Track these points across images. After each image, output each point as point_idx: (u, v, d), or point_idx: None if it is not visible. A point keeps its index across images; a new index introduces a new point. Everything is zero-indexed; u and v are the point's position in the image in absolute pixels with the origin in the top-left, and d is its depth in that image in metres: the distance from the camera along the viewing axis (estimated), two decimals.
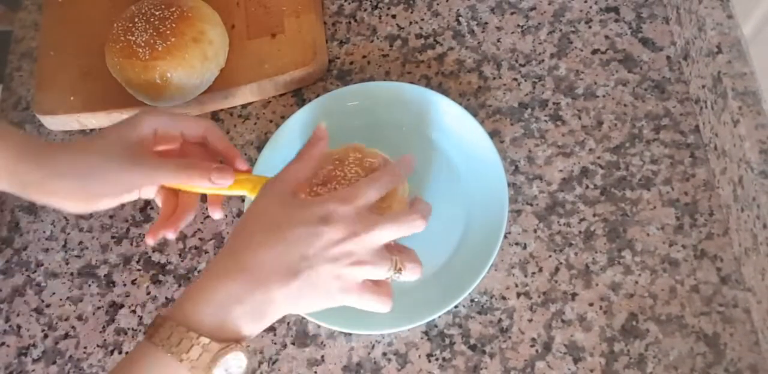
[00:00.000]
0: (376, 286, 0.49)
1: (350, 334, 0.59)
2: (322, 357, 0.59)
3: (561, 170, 0.62)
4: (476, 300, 0.59)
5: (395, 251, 0.49)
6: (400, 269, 0.49)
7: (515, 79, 0.67)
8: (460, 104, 0.63)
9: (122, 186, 0.53)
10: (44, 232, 0.68)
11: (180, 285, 0.64)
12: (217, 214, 0.57)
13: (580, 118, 0.64)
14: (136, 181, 0.53)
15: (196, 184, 0.53)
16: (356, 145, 0.57)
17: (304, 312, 0.49)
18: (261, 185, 0.52)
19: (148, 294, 0.64)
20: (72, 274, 0.66)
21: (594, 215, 0.60)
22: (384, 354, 0.58)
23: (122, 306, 0.64)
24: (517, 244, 0.60)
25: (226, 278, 0.45)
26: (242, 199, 0.65)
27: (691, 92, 0.63)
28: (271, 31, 0.70)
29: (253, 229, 0.48)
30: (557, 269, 0.59)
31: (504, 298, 0.59)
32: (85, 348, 0.63)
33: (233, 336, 0.45)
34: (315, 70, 0.69)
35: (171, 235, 0.55)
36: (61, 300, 0.65)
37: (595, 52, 0.67)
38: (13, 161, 0.50)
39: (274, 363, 0.59)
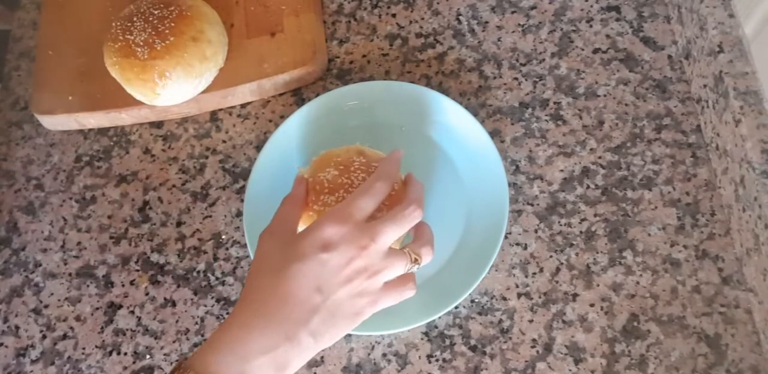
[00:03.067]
0: (397, 278, 0.48)
1: (350, 335, 0.59)
2: (322, 358, 0.59)
3: (562, 170, 0.62)
4: (477, 300, 0.59)
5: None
6: (416, 260, 0.48)
7: (516, 79, 0.67)
8: (461, 103, 0.63)
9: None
10: (42, 232, 0.68)
11: (179, 286, 0.63)
12: None
13: (581, 117, 0.64)
14: None
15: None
16: (358, 146, 0.57)
17: (337, 340, 0.48)
18: None
19: (147, 294, 0.64)
20: (70, 274, 0.66)
21: (595, 216, 0.60)
22: (384, 355, 0.58)
23: (121, 306, 0.64)
24: (517, 244, 0.60)
25: (246, 327, 0.44)
26: (241, 199, 0.65)
27: (692, 92, 0.63)
28: (271, 30, 0.69)
29: (260, 276, 0.46)
30: (558, 270, 0.59)
31: (504, 299, 0.58)
32: (84, 348, 0.63)
33: None
34: (314, 69, 0.68)
35: None
36: (59, 300, 0.65)
37: (596, 51, 0.66)
38: None
39: None
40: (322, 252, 0.45)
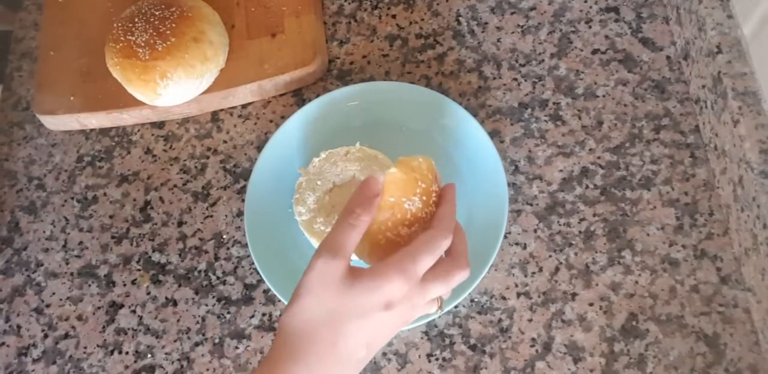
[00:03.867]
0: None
1: None
2: None
3: (561, 170, 0.62)
4: (476, 299, 0.59)
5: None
6: (440, 306, 0.49)
7: (515, 79, 0.67)
8: (460, 103, 0.63)
9: None
10: (44, 232, 0.68)
11: (180, 285, 0.64)
12: None
13: (580, 118, 0.64)
14: None
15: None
16: (419, 162, 0.51)
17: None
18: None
19: (148, 293, 0.64)
20: (72, 274, 0.66)
21: (594, 215, 0.60)
22: (384, 353, 0.58)
23: (122, 306, 0.64)
24: (517, 244, 0.60)
25: None
26: (242, 199, 0.65)
27: (691, 92, 0.63)
28: (271, 31, 0.70)
29: (316, 324, 0.44)
30: (557, 269, 0.59)
31: (504, 298, 0.59)
32: (85, 348, 0.63)
33: None
34: (315, 70, 0.69)
35: None
36: (61, 300, 0.65)
37: (595, 52, 0.67)
38: None
39: None
40: (384, 311, 0.44)
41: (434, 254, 0.46)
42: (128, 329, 0.63)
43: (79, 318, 0.64)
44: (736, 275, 0.57)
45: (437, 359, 0.57)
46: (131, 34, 0.65)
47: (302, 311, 0.44)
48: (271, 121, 0.69)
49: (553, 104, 0.65)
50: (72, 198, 0.69)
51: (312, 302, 0.44)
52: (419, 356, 0.58)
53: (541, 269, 0.59)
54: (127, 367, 0.61)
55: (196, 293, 0.63)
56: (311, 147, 0.64)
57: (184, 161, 0.69)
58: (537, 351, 0.57)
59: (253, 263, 0.62)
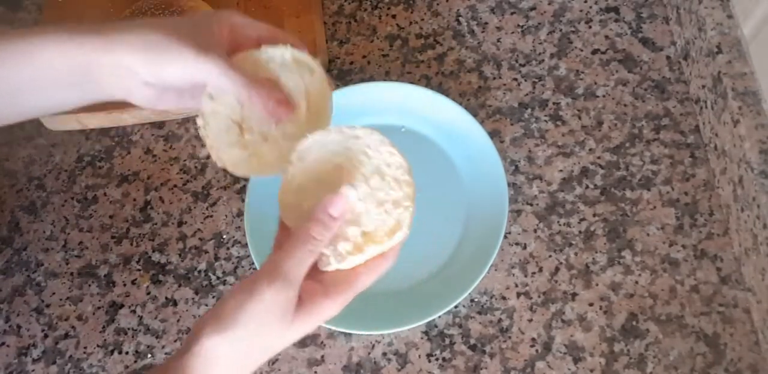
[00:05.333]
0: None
1: (350, 334, 0.59)
2: (322, 357, 0.59)
3: (561, 170, 0.62)
4: (476, 299, 0.59)
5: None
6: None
7: (515, 79, 0.67)
8: (460, 104, 0.63)
9: (191, 67, 0.44)
10: (44, 232, 0.68)
11: (180, 285, 0.64)
12: None
13: (580, 118, 0.64)
14: (206, 66, 0.44)
15: (253, 103, 0.46)
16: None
17: None
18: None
19: (148, 293, 0.64)
20: (72, 274, 0.66)
21: (594, 215, 0.60)
22: (384, 354, 0.58)
23: (122, 305, 0.64)
24: (517, 244, 0.60)
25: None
26: (242, 199, 0.65)
27: (691, 92, 0.63)
28: None
29: (241, 359, 0.42)
30: (557, 269, 0.59)
31: (504, 298, 0.59)
32: (85, 348, 0.63)
33: None
34: None
35: None
36: (61, 299, 0.65)
37: (595, 52, 0.67)
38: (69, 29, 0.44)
39: (273, 363, 0.59)
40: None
41: (374, 279, 0.46)
42: (128, 329, 0.63)
43: (79, 318, 0.64)
44: (736, 275, 0.57)
45: (437, 359, 0.58)
46: None
47: (236, 340, 0.41)
48: None
49: (553, 104, 0.65)
50: (72, 198, 0.69)
51: (250, 336, 0.41)
52: (419, 356, 0.58)
53: (541, 270, 0.59)
54: (127, 367, 0.61)
55: (196, 293, 0.63)
56: None
57: (184, 161, 0.69)
58: (537, 351, 0.57)
59: (253, 264, 0.62)
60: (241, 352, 0.41)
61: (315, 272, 0.44)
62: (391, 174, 0.46)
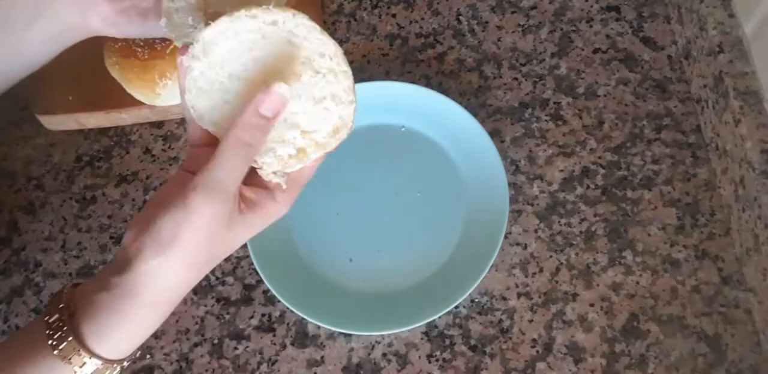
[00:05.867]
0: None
1: (350, 335, 0.59)
2: (322, 357, 0.59)
3: (562, 170, 0.62)
4: (477, 300, 0.59)
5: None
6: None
7: (516, 79, 0.67)
8: (461, 103, 0.63)
9: None
10: (43, 232, 0.68)
11: None
12: None
13: (581, 117, 0.64)
14: None
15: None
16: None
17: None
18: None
19: None
20: (71, 274, 0.66)
21: (595, 216, 0.60)
22: (384, 354, 0.58)
23: None
24: (517, 244, 0.60)
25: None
26: None
27: (692, 92, 0.63)
28: None
29: (177, 290, 0.41)
30: (558, 270, 0.59)
31: (504, 298, 0.58)
32: None
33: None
34: None
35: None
36: None
37: (596, 51, 0.66)
38: None
39: (273, 363, 0.59)
40: None
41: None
42: None
43: None
44: (737, 275, 0.57)
45: (437, 360, 0.57)
46: None
47: (179, 259, 0.39)
48: None
49: (554, 103, 0.65)
50: (71, 198, 0.69)
51: (194, 252, 0.39)
52: (419, 357, 0.58)
53: (541, 270, 0.59)
54: (125, 368, 0.61)
55: (195, 293, 0.63)
56: None
57: (184, 161, 0.69)
58: (538, 351, 0.56)
59: (252, 264, 0.62)
60: (187, 267, 0.40)
61: (256, 176, 0.42)
62: (327, 66, 0.40)
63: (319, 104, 0.40)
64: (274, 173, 0.41)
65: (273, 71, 0.39)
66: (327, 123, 0.40)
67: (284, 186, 0.42)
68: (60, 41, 0.48)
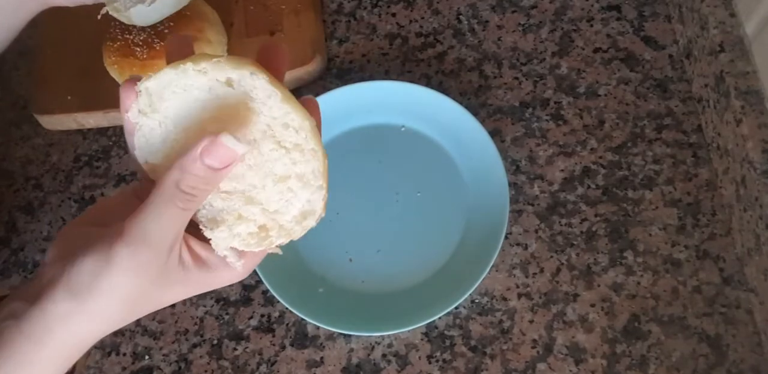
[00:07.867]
0: None
1: (350, 335, 0.59)
2: (322, 358, 0.58)
3: (562, 170, 0.62)
4: (477, 300, 0.59)
5: None
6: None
7: (516, 78, 0.66)
8: (461, 103, 0.63)
9: None
10: (41, 232, 0.68)
11: None
12: None
13: (581, 117, 0.64)
14: None
15: None
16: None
17: None
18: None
19: None
20: None
21: (596, 216, 0.60)
22: (384, 355, 0.58)
23: None
24: (518, 244, 0.60)
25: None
26: None
27: (693, 91, 0.63)
28: (270, 29, 0.69)
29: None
30: (558, 270, 0.59)
31: (505, 299, 0.58)
32: None
33: None
34: (314, 69, 0.68)
35: None
36: None
37: (596, 50, 0.66)
38: None
39: (272, 364, 0.59)
40: None
41: None
42: (126, 330, 0.62)
43: None
44: (738, 275, 0.56)
45: (437, 360, 0.57)
46: (129, 33, 0.64)
47: (92, 313, 0.35)
48: None
49: (555, 103, 0.65)
50: (69, 198, 0.69)
51: (112, 305, 0.35)
52: (419, 357, 0.57)
53: (542, 270, 0.59)
54: (124, 368, 0.61)
55: None
56: None
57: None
58: (538, 352, 0.56)
59: None
60: (98, 322, 0.36)
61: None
62: (292, 140, 0.34)
63: (281, 183, 0.35)
64: (232, 248, 0.36)
65: (233, 131, 0.34)
66: (291, 207, 0.35)
67: (238, 267, 0.37)
68: (19, 15, 0.46)
